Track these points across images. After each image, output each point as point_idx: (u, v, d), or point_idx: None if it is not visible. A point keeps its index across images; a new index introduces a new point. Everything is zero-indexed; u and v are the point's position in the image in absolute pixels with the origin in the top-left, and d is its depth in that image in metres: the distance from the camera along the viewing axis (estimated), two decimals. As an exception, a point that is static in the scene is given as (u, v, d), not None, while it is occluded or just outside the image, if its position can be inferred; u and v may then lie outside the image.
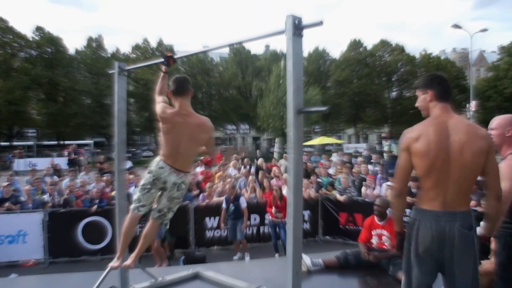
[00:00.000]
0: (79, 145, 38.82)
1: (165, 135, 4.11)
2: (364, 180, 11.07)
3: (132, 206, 4.25)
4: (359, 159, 17.71)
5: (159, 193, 4.26)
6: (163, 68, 4.31)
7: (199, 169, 13.25)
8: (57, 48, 46.12)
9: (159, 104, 4.15)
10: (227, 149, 35.55)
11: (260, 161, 15.26)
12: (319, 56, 55.95)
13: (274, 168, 13.33)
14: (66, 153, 30.64)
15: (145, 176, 4.23)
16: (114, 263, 4.32)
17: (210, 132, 4.30)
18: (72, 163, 23.65)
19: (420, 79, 3.32)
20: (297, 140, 2.84)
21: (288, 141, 2.89)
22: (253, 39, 3.58)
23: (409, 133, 3.09)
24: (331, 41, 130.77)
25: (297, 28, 2.80)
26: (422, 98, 3.20)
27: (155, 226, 4.35)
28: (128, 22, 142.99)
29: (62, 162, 22.15)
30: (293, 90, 2.80)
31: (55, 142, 44.72)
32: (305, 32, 2.83)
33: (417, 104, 3.27)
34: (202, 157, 15.50)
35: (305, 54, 53.24)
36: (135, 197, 4.28)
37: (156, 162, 4.17)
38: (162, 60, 4.29)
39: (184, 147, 4.11)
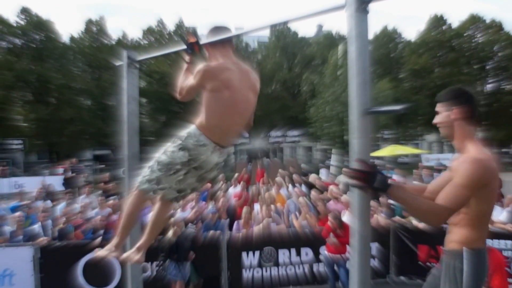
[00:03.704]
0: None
1: (214, 94, 3.91)
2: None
3: (144, 183, 4.08)
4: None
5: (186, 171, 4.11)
6: (187, 57, 4.28)
7: (233, 191, 13.33)
8: (47, 35, 46.24)
9: (198, 66, 3.97)
10: (271, 163, 35.41)
11: (313, 177, 15.18)
12: (388, 38, 55.13)
13: (332, 187, 13.25)
14: (61, 170, 30.72)
15: (171, 150, 4.03)
16: (109, 251, 4.24)
17: (258, 85, 4.27)
18: (68, 182, 23.69)
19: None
20: (362, 150, 2.81)
21: (350, 151, 2.86)
22: (301, 17, 3.47)
23: (491, 163, 3.37)
24: (404, 17, 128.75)
25: (361, 1, 2.76)
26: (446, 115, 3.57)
27: (168, 208, 4.31)
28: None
29: (56, 181, 22.46)
30: (357, 84, 2.77)
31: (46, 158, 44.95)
32: (372, 6, 2.80)
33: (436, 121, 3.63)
34: (236, 175, 15.65)
35: (370, 35, 52.87)
36: (149, 173, 4.08)
37: (194, 135, 3.98)
38: (184, 47, 4.23)
39: (243, 104, 4.04)
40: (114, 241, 4.27)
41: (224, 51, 4.10)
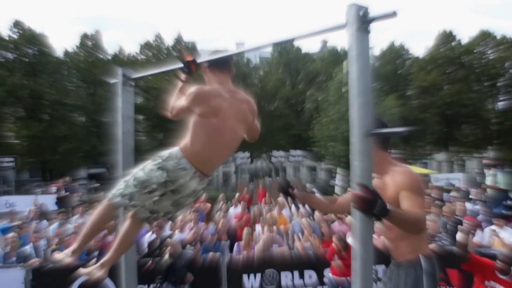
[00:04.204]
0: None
1: (201, 120, 4.00)
2: (460, 223, 10.94)
3: (116, 197, 4.10)
4: (453, 194, 17.47)
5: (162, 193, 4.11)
6: (182, 76, 4.34)
7: (233, 211, 13.35)
8: (40, 49, 45.97)
9: (192, 88, 4.08)
10: (273, 182, 35.43)
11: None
12: (395, 54, 54.80)
13: None
14: (54, 188, 30.50)
15: (149, 168, 4.08)
16: (65, 255, 4.29)
17: (255, 113, 4.42)
18: (62, 202, 23.56)
19: None
20: (364, 171, 2.86)
21: (352, 172, 2.90)
22: (302, 36, 3.57)
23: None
24: (412, 33, 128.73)
25: (363, 21, 2.81)
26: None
27: (138, 227, 4.30)
28: (134, 11, 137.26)
29: (48, 200, 22.32)
30: (358, 105, 2.81)
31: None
32: (374, 25, 2.85)
33: None
34: (237, 194, 15.68)
35: (377, 51, 52.96)
36: (123, 188, 4.10)
37: (175, 158, 4.03)
38: (181, 65, 4.30)
39: (230, 135, 4.11)
40: (72, 246, 4.32)
41: (222, 77, 4.22)
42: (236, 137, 4.21)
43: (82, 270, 4.21)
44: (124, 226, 4.24)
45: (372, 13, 2.82)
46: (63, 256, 4.29)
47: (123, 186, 4.11)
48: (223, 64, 4.22)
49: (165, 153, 4.11)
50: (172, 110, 4.27)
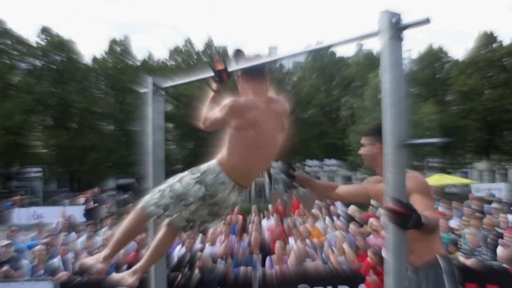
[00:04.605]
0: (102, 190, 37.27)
1: (238, 133, 4.00)
2: (502, 236, 10.80)
3: (150, 205, 4.14)
4: (495, 205, 17.24)
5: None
6: (214, 85, 4.35)
7: (266, 223, 13.32)
8: (69, 55, 46.49)
9: (226, 100, 4.06)
10: (308, 193, 34.86)
11: (352, 209, 15.12)
12: (434, 57, 54.14)
13: (372, 220, 13.12)
14: (82, 199, 30.19)
15: (187, 181, 4.10)
16: (96, 261, 4.35)
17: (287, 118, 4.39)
18: (90, 213, 23.87)
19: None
20: (398, 183, 2.86)
21: (386, 183, 2.91)
22: (335, 44, 3.66)
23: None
24: (451, 34, 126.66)
25: (396, 28, 2.82)
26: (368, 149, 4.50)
27: (173, 235, 4.36)
28: (163, 15, 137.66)
29: (77, 212, 22.57)
30: (391, 115, 2.82)
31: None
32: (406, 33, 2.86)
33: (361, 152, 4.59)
34: (271, 206, 15.67)
35: (414, 54, 52.49)
36: (158, 197, 4.13)
37: (214, 172, 4.05)
38: (212, 74, 4.29)
39: (268, 147, 4.13)
40: (103, 252, 4.37)
41: (256, 85, 4.19)
42: (274, 147, 4.22)
43: (114, 276, 4.32)
44: (159, 234, 4.29)
45: (405, 20, 2.83)
46: (94, 262, 4.35)
47: (158, 196, 4.13)
48: (256, 72, 4.19)
49: (203, 166, 4.12)
50: (205, 121, 4.29)
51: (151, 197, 4.18)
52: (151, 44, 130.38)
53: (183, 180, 4.12)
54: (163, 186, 4.21)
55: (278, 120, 4.20)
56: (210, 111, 4.27)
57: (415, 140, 2.90)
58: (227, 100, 4.03)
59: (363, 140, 4.52)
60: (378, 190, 4.18)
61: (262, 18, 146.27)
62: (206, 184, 4.01)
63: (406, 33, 2.87)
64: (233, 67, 4.29)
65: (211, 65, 4.37)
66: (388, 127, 2.83)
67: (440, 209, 16.38)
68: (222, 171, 4.02)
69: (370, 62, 50.44)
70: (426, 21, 2.71)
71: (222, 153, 4.09)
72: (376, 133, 3.90)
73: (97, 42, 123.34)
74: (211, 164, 4.10)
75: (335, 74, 54.65)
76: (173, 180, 4.20)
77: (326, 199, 16.34)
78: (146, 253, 4.34)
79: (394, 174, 2.85)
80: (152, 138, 4.89)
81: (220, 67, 4.25)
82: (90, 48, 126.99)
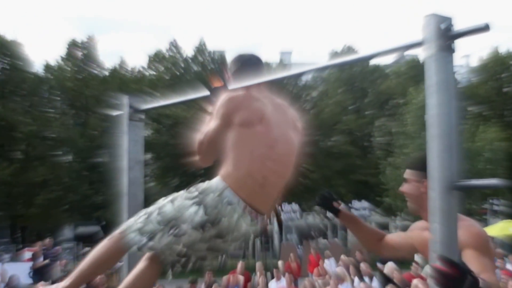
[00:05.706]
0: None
1: (244, 130, 3.58)
2: None
3: (132, 231, 3.58)
4: None
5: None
6: (210, 108, 3.84)
7: (275, 286, 13.03)
8: (13, 62, 42.33)
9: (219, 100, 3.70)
10: (330, 245, 33.94)
11: (390, 267, 14.72)
12: (500, 65, 49.40)
13: (416, 282, 12.80)
14: (28, 254, 28.29)
15: (180, 202, 3.56)
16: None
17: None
18: (39, 273, 21.97)
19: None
20: (447, 237, 2.46)
21: (432, 236, 2.50)
22: (366, 57, 3.38)
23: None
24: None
25: (446, 36, 2.44)
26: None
27: (156, 272, 3.73)
28: (141, 10, 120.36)
29: (21, 271, 21.80)
30: (439, 150, 2.43)
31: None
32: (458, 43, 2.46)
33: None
34: (281, 263, 15.32)
35: (474, 62, 50.61)
36: (143, 222, 3.60)
37: (216, 189, 3.53)
38: (207, 93, 3.85)
39: (283, 144, 3.66)
40: (63, 283, 3.71)
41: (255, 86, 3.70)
42: (289, 148, 3.73)
43: None
44: (137, 268, 3.69)
45: (457, 25, 2.44)
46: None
47: (143, 220, 3.60)
48: (256, 64, 3.96)
49: (202, 184, 3.60)
50: (202, 145, 3.74)
51: (134, 221, 3.65)
52: (124, 48, 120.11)
53: (175, 200, 3.60)
54: (151, 208, 3.68)
55: (289, 119, 3.83)
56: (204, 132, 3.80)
57: (471, 180, 2.50)
58: (219, 101, 3.66)
59: (407, 175, 3.73)
60: (425, 239, 3.40)
61: (271, 15, 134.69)
62: (206, 205, 3.45)
63: (459, 42, 2.47)
64: (234, 83, 3.81)
65: (206, 82, 4.07)
66: (434, 164, 2.45)
67: (509, 266, 15.98)
68: (227, 188, 3.48)
69: (415, 72, 45.18)
70: (485, 27, 2.35)
71: (225, 166, 3.60)
72: (425, 166, 3.12)
73: (51, 44, 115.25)
74: (213, 181, 3.59)
75: (367, 88, 51.69)
76: (164, 200, 3.68)
77: (370, 251, 16.05)
78: None
79: (443, 225, 2.45)
80: (127, 176, 4.38)
81: (218, 84, 3.83)
82: (41, 52, 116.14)
